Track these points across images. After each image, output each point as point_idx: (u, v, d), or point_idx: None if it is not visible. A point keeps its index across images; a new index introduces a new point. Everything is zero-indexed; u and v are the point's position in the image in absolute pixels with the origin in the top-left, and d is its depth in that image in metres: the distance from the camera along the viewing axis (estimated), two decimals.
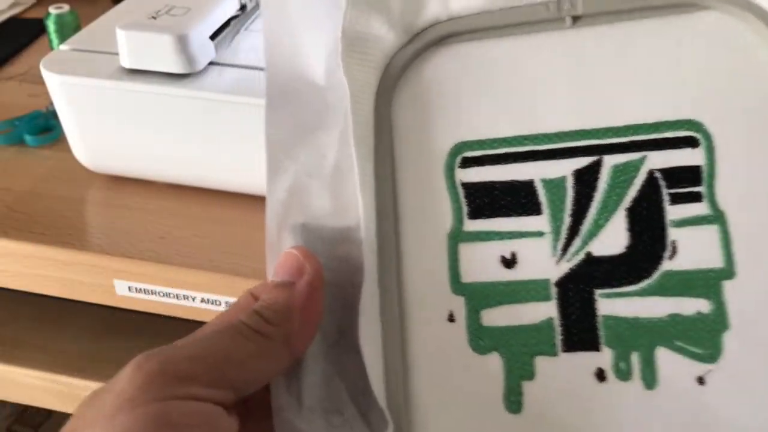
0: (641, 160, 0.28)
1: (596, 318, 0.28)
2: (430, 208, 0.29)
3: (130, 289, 0.50)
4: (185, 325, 0.53)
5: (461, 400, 0.28)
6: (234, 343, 0.26)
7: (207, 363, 0.24)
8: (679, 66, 0.29)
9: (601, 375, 0.27)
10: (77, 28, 0.68)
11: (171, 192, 0.54)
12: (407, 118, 0.30)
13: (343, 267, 0.29)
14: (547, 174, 0.29)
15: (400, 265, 0.29)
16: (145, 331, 0.59)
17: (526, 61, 0.30)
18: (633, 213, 0.28)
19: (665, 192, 0.28)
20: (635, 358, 0.27)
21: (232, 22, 0.55)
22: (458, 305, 0.29)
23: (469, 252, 0.29)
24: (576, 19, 0.29)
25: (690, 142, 0.28)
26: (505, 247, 0.29)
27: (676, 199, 0.28)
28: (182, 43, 0.48)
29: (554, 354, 0.28)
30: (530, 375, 0.28)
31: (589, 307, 0.28)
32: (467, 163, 0.29)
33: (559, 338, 0.28)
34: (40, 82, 0.52)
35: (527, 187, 0.29)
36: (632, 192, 0.28)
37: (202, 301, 0.49)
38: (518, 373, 0.28)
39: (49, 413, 0.84)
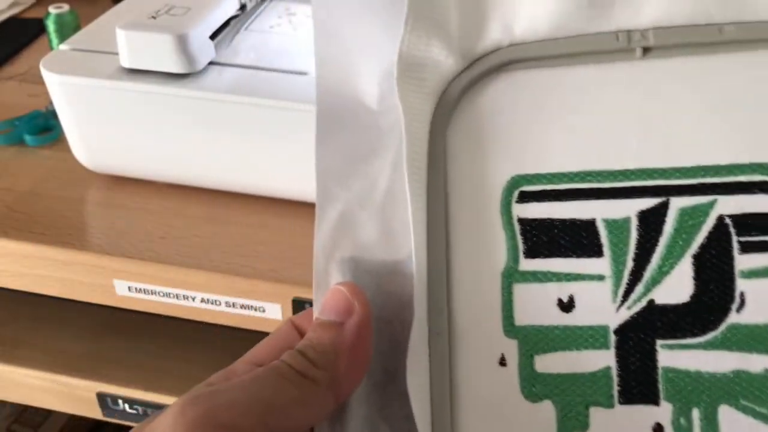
0: (711, 204, 0.26)
1: (656, 370, 0.26)
2: (484, 245, 0.28)
3: (130, 289, 0.50)
4: (185, 325, 0.53)
5: None
6: (277, 388, 0.25)
7: (250, 412, 0.24)
8: (755, 105, 0.27)
9: (659, 431, 0.26)
10: (77, 28, 0.68)
11: (171, 192, 0.54)
12: (463, 147, 0.28)
13: (391, 302, 0.27)
14: (610, 214, 0.27)
15: (451, 304, 0.27)
16: (145, 331, 0.59)
17: (591, 92, 0.28)
18: (700, 260, 0.26)
19: (735, 239, 0.26)
20: (696, 415, 0.26)
21: (232, 22, 0.55)
22: (511, 349, 0.27)
23: (523, 293, 0.27)
24: (647, 50, 0.28)
25: (764, 188, 0.26)
26: (563, 290, 0.27)
27: (746, 248, 0.26)
28: (182, 43, 0.48)
29: (611, 406, 0.26)
30: (584, 426, 0.26)
31: (649, 358, 0.26)
32: (525, 197, 0.28)
33: (616, 389, 0.26)
34: (40, 82, 0.52)
35: (589, 226, 0.27)
36: (700, 238, 0.26)
37: (202, 301, 0.49)
38: (572, 424, 0.26)
39: (48, 413, 0.84)
